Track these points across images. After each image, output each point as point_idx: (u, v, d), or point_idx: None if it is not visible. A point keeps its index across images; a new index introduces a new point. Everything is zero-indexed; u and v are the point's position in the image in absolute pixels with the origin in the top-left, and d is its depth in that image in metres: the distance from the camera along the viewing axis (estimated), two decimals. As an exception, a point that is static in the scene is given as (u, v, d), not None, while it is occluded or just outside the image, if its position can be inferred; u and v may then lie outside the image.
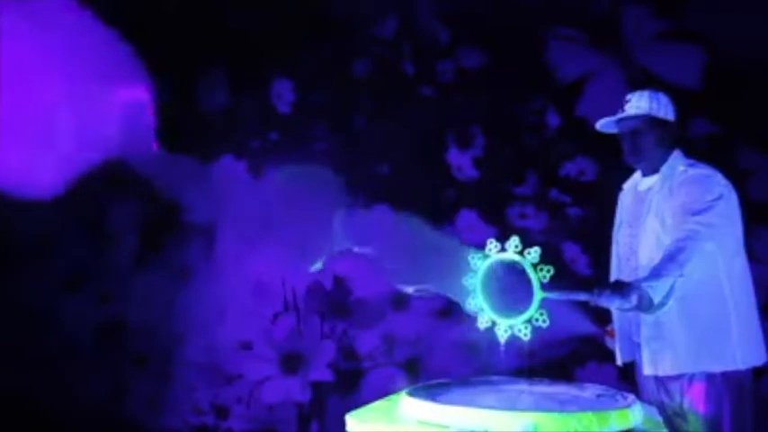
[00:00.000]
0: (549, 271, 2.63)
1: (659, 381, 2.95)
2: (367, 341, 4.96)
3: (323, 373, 4.87)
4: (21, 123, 3.87)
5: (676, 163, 3.01)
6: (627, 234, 3.09)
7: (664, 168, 3.01)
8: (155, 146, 4.33)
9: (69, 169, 4.00)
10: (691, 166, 2.98)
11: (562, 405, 2.53)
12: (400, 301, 4.92)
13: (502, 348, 2.69)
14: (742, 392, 2.88)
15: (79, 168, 4.04)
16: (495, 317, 2.71)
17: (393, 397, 2.69)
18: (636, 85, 3.57)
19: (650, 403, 2.87)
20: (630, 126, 3.04)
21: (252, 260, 4.96)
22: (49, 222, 5.05)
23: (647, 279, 2.69)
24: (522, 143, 5.03)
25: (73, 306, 5.07)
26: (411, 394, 2.57)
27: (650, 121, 3.02)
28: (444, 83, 5.11)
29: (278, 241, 4.77)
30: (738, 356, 2.86)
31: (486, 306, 2.72)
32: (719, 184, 2.89)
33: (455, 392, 2.69)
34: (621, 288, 2.66)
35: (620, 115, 3.06)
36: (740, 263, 2.93)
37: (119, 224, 5.12)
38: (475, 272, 2.75)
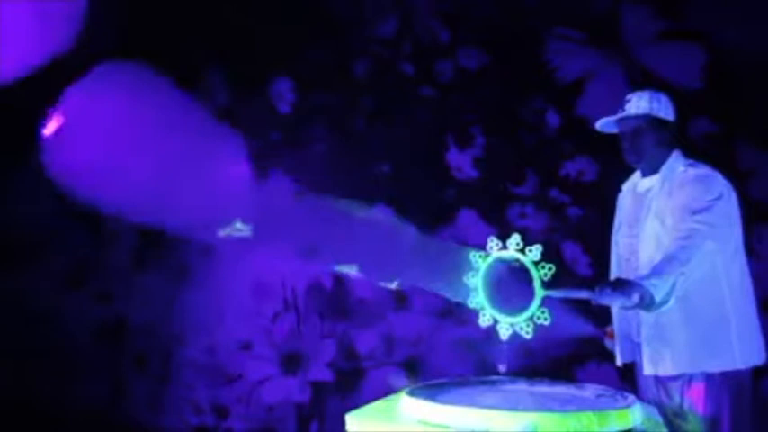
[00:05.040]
0: (550, 269, 2.64)
1: (659, 381, 2.95)
2: (367, 341, 4.95)
3: (323, 373, 4.87)
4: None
5: (676, 163, 3.01)
6: (627, 235, 3.09)
7: (663, 169, 3.01)
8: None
9: None
10: (690, 166, 2.99)
11: (562, 405, 2.53)
12: (400, 301, 4.92)
13: (504, 346, 2.69)
14: (741, 392, 2.88)
15: None
16: (496, 315, 2.71)
17: (393, 397, 2.70)
18: (636, 85, 3.57)
19: (650, 403, 2.88)
20: (631, 126, 3.04)
21: (252, 260, 4.96)
22: (49, 221, 5.05)
23: (648, 277, 2.70)
24: (522, 143, 5.03)
25: (73, 306, 5.06)
26: (411, 394, 2.57)
27: (651, 121, 3.02)
28: (444, 83, 5.11)
29: (278, 241, 4.76)
30: (738, 356, 2.86)
31: (487, 304, 2.73)
32: (719, 184, 2.90)
33: (455, 392, 2.70)
34: (623, 286, 2.67)
35: (620, 115, 3.06)
36: (739, 262, 2.94)
37: (119, 223, 5.12)
38: (476, 270, 2.76)
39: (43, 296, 5.00)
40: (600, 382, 2.91)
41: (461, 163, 5.02)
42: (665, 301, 2.77)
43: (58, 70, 4.09)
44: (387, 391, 2.80)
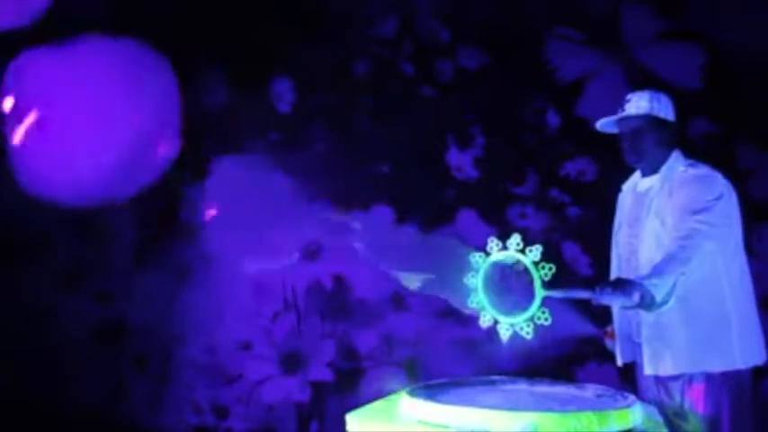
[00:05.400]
0: (550, 269, 2.64)
1: (659, 381, 2.95)
2: (367, 341, 4.95)
3: (323, 373, 4.87)
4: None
5: (676, 163, 3.01)
6: (627, 235, 3.09)
7: (663, 169, 3.01)
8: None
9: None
10: (690, 166, 2.99)
11: (562, 405, 2.53)
12: (400, 301, 4.92)
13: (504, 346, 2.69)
14: (741, 392, 2.88)
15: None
16: (496, 315, 2.71)
17: (393, 397, 2.70)
18: (636, 85, 3.57)
19: (650, 403, 2.88)
20: (631, 126, 3.04)
21: (252, 260, 4.95)
22: (48, 220, 5.04)
23: (648, 277, 2.70)
24: (522, 143, 5.03)
25: (72, 305, 5.06)
26: (411, 394, 2.57)
27: (651, 121, 3.02)
28: (444, 83, 5.11)
29: (278, 241, 4.77)
30: (738, 356, 2.86)
31: (487, 305, 2.72)
32: (719, 184, 2.90)
33: (455, 392, 2.70)
34: (624, 286, 2.67)
35: (620, 115, 3.06)
36: (740, 262, 2.94)
37: (118, 223, 5.12)
38: (476, 270, 2.76)
39: (43, 296, 5.00)
40: (600, 382, 2.91)
41: (461, 163, 5.02)
42: (665, 301, 2.77)
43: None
44: (387, 391, 2.80)
